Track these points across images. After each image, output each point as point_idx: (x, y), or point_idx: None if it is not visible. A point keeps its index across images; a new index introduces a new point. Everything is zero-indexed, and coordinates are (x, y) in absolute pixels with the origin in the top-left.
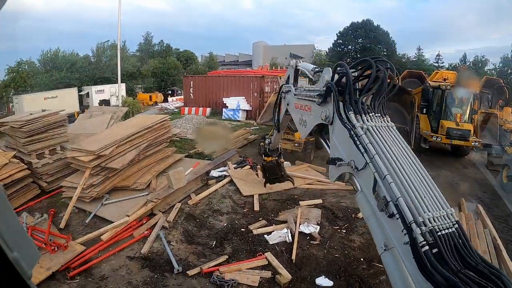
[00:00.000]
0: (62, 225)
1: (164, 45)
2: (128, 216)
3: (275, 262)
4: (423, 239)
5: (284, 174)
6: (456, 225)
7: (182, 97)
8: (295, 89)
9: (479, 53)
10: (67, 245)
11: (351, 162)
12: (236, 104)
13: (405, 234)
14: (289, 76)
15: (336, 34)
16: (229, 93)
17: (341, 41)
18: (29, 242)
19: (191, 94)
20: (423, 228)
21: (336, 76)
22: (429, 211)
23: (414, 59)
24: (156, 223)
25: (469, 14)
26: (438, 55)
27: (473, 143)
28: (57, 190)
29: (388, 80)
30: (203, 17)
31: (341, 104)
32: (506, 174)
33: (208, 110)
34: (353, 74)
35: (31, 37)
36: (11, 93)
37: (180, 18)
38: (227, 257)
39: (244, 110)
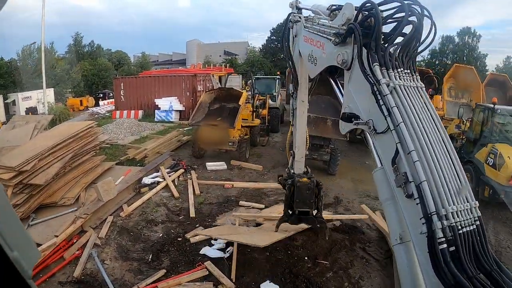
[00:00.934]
0: None
1: (95, 46)
2: (57, 236)
3: (216, 272)
4: (442, 235)
5: (320, 211)
6: (478, 222)
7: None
8: (305, 20)
9: None
10: None
11: (370, 122)
12: (169, 105)
13: (423, 224)
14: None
15: (270, 31)
16: (161, 93)
17: (274, 37)
18: (29, 241)
19: (122, 96)
20: (445, 222)
21: (360, 16)
22: (454, 204)
23: None
24: (88, 241)
25: None
26: None
27: None
28: None
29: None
30: (137, 16)
31: (364, 51)
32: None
33: (141, 112)
34: None
35: None
36: None
37: (113, 17)
38: (165, 271)
39: (177, 110)
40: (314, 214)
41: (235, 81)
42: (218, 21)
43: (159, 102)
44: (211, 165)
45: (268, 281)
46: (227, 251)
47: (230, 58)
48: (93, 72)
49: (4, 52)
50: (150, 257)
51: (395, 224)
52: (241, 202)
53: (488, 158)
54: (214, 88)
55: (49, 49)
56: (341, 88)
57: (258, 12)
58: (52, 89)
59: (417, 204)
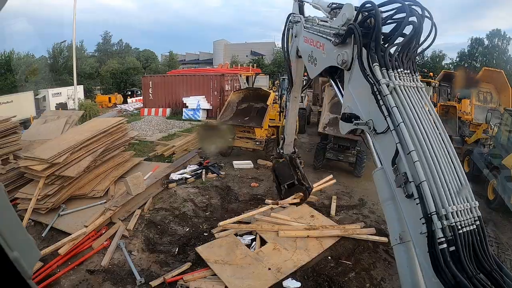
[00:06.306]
0: None
1: (123, 44)
2: (86, 226)
3: None
4: (442, 235)
5: (303, 178)
6: (478, 222)
7: (142, 97)
8: (305, 21)
9: (437, 48)
10: None
11: (369, 122)
12: (196, 103)
13: (423, 224)
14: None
15: None
16: (189, 92)
17: None
18: (29, 241)
19: (150, 94)
20: (444, 222)
21: (360, 16)
22: (454, 204)
23: None
24: (116, 232)
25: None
26: None
27: None
28: (12, 202)
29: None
30: (164, 15)
31: (364, 51)
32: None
33: (168, 110)
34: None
35: None
36: None
37: (141, 16)
38: (191, 264)
39: (205, 109)
40: (299, 181)
41: (262, 82)
42: (246, 20)
43: (187, 100)
44: (237, 164)
45: (290, 278)
46: (252, 247)
47: (257, 58)
48: (122, 70)
49: (35, 50)
50: (177, 250)
51: (395, 224)
52: (267, 201)
53: None
54: (242, 88)
55: (79, 47)
56: (341, 89)
57: (287, 12)
58: (82, 86)
59: (417, 204)
